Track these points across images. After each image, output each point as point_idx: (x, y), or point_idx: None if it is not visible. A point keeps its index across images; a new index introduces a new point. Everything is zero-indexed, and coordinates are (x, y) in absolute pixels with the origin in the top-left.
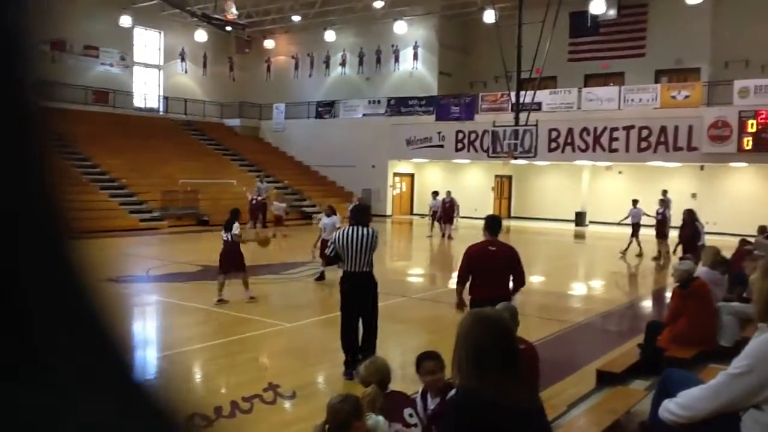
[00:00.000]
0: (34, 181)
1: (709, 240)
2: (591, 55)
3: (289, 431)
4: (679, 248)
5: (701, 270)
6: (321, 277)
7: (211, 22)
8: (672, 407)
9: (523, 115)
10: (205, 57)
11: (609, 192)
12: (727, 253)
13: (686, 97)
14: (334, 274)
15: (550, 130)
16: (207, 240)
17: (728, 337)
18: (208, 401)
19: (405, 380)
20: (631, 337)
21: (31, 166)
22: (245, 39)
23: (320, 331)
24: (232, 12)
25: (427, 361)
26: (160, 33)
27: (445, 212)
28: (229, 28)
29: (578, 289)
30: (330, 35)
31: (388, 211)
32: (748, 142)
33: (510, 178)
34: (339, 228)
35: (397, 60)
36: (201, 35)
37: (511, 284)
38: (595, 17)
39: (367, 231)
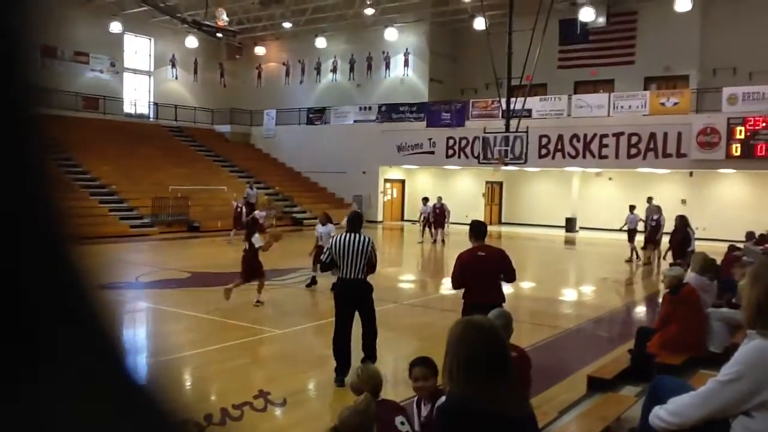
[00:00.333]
0: (35, 183)
1: (698, 246)
2: (580, 62)
3: None
4: (669, 254)
5: (690, 276)
6: (312, 283)
7: (202, 28)
8: (662, 414)
9: (513, 122)
10: (196, 63)
11: (599, 198)
12: (716, 259)
13: (675, 104)
14: (326, 280)
15: (541, 137)
16: (197, 246)
17: (718, 343)
18: (198, 408)
19: (396, 388)
20: (621, 343)
21: (32, 170)
22: (236, 45)
23: (311, 338)
24: (223, 19)
25: (416, 368)
26: (150, 39)
27: (436, 218)
28: (219, 35)
29: (569, 294)
30: (321, 42)
31: (379, 218)
32: (736, 149)
33: (500, 184)
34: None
35: (388, 67)
36: (191, 42)
37: (502, 280)
38: (584, 25)
39: (362, 238)
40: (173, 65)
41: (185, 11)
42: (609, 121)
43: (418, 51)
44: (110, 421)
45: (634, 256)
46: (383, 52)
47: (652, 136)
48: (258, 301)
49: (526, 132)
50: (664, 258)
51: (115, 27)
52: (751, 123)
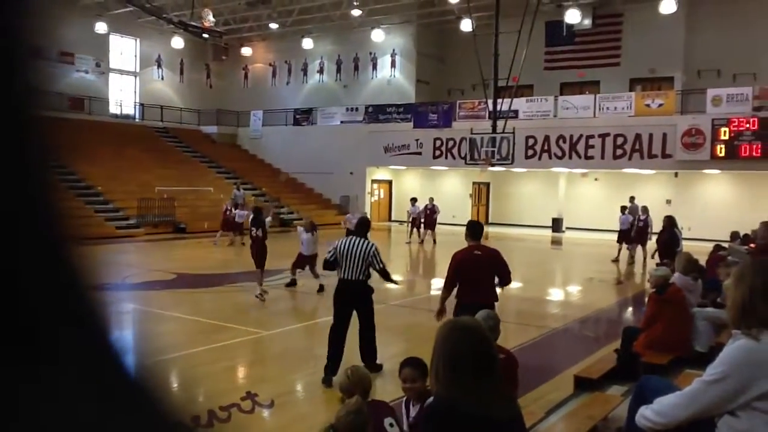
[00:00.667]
0: (36, 185)
1: (684, 246)
2: (567, 63)
3: None
4: (656, 253)
5: (674, 276)
6: (291, 284)
7: (188, 29)
8: (648, 414)
9: (500, 123)
10: (182, 64)
11: (585, 199)
12: (701, 259)
13: (660, 105)
14: (307, 280)
15: (527, 138)
16: (184, 248)
17: (703, 342)
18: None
19: (384, 389)
20: (608, 343)
21: (33, 171)
22: (222, 46)
23: (298, 339)
24: (209, 19)
25: (406, 369)
26: (136, 40)
27: (427, 218)
28: (206, 36)
29: (556, 294)
30: (308, 43)
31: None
32: (720, 150)
33: (487, 185)
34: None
35: (374, 68)
36: (177, 42)
37: (497, 281)
38: (570, 27)
39: (366, 243)
40: (159, 66)
41: (171, 12)
42: (595, 122)
43: (405, 52)
44: (110, 421)
45: (621, 256)
46: (370, 53)
47: (638, 137)
48: (261, 293)
49: (513, 133)
50: (652, 257)
51: (101, 27)
52: (735, 124)
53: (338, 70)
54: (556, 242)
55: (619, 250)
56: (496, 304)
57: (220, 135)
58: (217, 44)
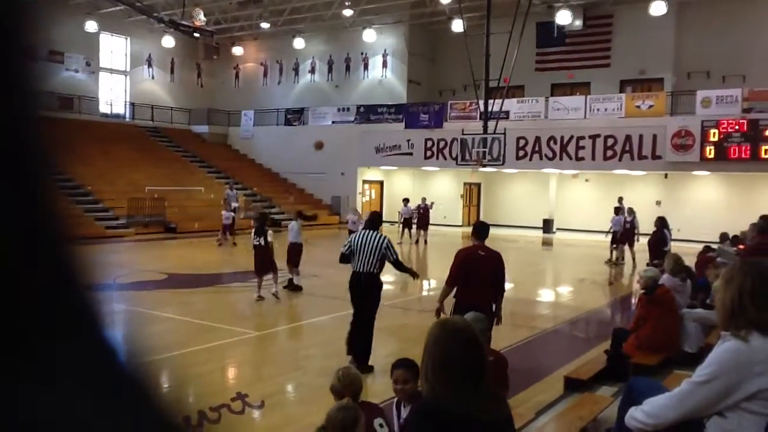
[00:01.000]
0: (36, 186)
1: (673, 247)
2: (557, 65)
3: None
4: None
5: (663, 277)
6: (290, 286)
7: (179, 28)
8: (638, 415)
9: (491, 124)
10: (173, 63)
11: (576, 200)
12: (690, 259)
13: (650, 106)
14: (306, 282)
15: (518, 139)
16: (174, 248)
17: (692, 343)
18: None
19: (374, 389)
20: (597, 344)
21: (32, 172)
22: (213, 45)
23: (289, 339)
24: (200, 19)
25: (398, 370)
26: (126, 39)
27: (421, 218)
28: (196, 35)
29: (546, 295)
30: (299, 43)
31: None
32: (710, 151)
33: (479, 185)
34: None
35: (366, 68)
36: (168, 41)
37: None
38: (561, 28)
39: (379, 235)
40: (150, 65)
41: (162, 11)
42: (585, 124)
43: (397, 52)
44: (107, 418)
45: (614, 257)
46: (362, 53)
47: (628, 138)
48: (274, 293)
49: (504, 134)
50: (634, 260)
51: (91, 26)
52: (725, 126)
53: (330, 70)
54: (546, 243)
55: (612, 251)
56: (492, 307)
57: (211, 135)
58: (208, 43)
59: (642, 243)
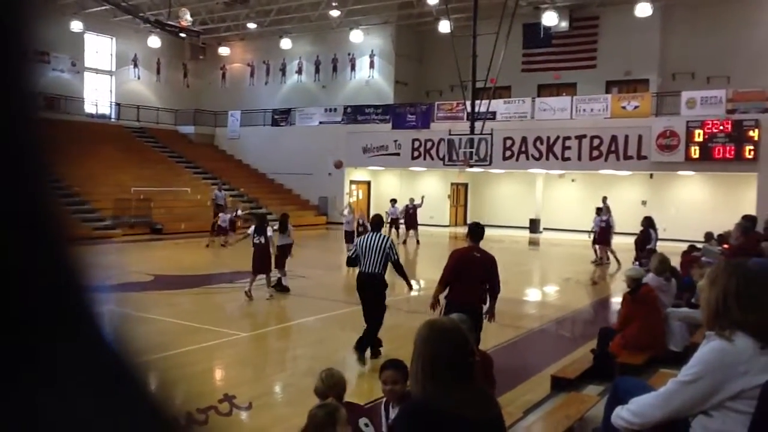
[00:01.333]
0: (36, 187)
1: (659, 246)
2: (544, 65)
3: None
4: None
5: (648, 276)
6: (278, 286)
7: (165, 28)
8: (624, 414)
9: (478, 124)
10: (159, 63)
11: (562, 200)
12: (676, 259)
13: (636, 107)
14: (294, 283)
15: (505, 139)
16: (161, 249)
17: (678, 342)
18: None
19: (362, 390)
20: (584, 343)
21: (32, 174)
22: (200, 46)
23: (276, 340)
24: (186, 19)
25: (387, 371)
26: (112, 39)
27: (410, 218)
28: (183, 35)
29: (533, 295)
30: (286, 43)
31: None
32: (695, 152)
33: (466, 185)
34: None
35: (353, 68)
36: (154, 41)
37: (486, 292)
38: (547, 29)
39: (382, 237)
40: (135, 65)
41: (148, 11)
42: (572, 124)
43: (384, 53)
44: (108, 417)
45: (597, 256)
46: (349, 54)
47: (614, 138)
48: (271, 295)
49: (491, 134)
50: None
51: (76, 26)
52: (709, 126)
53: (317, 71)
54: (533, 243)
55: (595, 251)
56: (483, 306)
57: (198, 135)
58: (195, 44)
59: (629, 243)
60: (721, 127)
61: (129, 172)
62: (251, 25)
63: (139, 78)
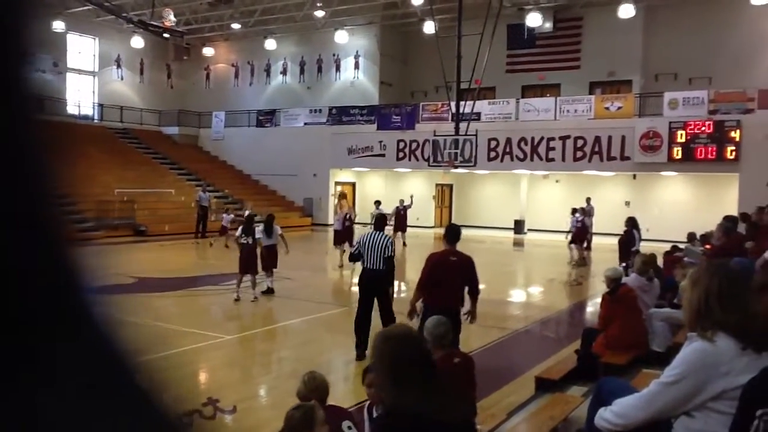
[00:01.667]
0: (36, 188)
1: (642, 246)
2: (528, 66)
3: None
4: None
5: (630, 276)
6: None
7: (148, 29)
8: (607, 415)
9: (462, 125)
10: (142, 64)
11: (547, 200)
12: (658, 259)
13: (619, 108)
14: (279, 284)
15: (490, 140)
16: (144, 251)
17: (660, 342)
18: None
19: (346, 392)
20: (568, 344)
21: (32, 175)
22: (184, 46)
23: (261, 343)
24: (170, 19)
25: (369, 374)
26: (94, 39)
27: (400, 220)
28: (166, 36)
29: (517, 296)
30: (271, 44)
31: (330, 220)
32: (677, 152)
33: (451, 186)
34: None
35: (338, 69)
36: (137, 42)
37: (466, 293)
38: (531, 30)
39: (383, 235)
40: (119, 65)
41: (131, 11)
42: (556, 125)
43: (369, 54)
44: (110, 418)
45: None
46: (333, 55)
47: (597, 139)
48: (255, 297)
49: (476, 135)
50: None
51: (58, 26)
52: (692, 127)
53: (301, 72)
54: (518, 243)
55: (579, 252)
56: (461, 309)
57: (182, 136)
58: (179, 44)
59: (613, 243)
60: (703, 128)
61: (112, 174)
62: (235, 26)
63: (122, 79)
